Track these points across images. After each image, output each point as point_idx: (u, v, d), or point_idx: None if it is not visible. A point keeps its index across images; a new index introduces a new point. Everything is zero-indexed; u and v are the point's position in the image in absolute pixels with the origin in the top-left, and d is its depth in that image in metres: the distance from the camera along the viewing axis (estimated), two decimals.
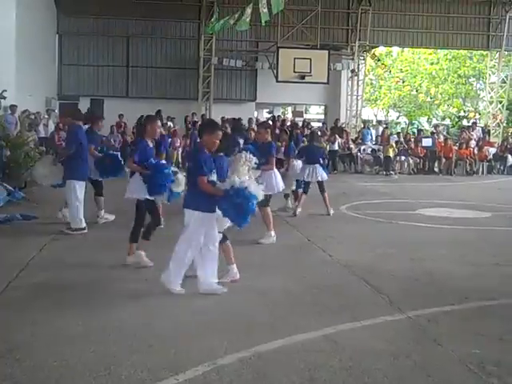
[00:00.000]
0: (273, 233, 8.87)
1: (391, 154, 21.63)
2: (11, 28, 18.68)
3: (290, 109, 41.12)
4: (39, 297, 5.97)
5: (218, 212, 6.10)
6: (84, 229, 9.15)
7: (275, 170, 9.26)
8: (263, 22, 16.97)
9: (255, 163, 6.48)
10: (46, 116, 22.10)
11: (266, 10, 17.05)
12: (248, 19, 18.12)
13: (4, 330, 4.99)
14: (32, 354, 4.50)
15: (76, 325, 5.16)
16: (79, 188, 9.06)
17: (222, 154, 6.65)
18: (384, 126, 28.04)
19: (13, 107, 18.63)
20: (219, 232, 6.33)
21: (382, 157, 22.03)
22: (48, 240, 8.53)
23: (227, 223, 6.32)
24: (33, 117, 20.46)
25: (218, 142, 6.15)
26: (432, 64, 41.05)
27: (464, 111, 41.53)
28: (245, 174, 6.18)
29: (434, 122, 41.16)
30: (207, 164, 6.00)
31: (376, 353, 4.67)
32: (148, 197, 7.24)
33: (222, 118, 11.47)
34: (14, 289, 6.17)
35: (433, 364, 4.51)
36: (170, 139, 19.28)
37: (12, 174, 13.40)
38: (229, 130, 11.03)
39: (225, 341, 4.81)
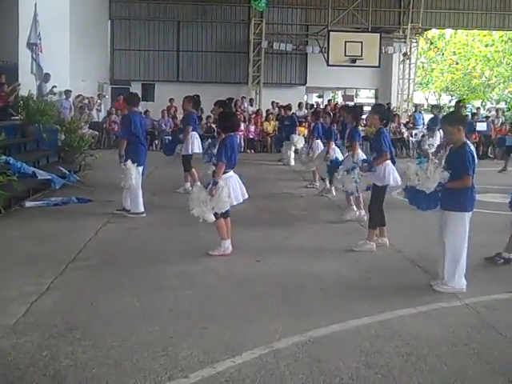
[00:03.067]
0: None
1: None
2: (65, 14, 18.99)
3: (340, 93, 40.75)
4: (96, 278, 6.09)
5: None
6: (142, 213, 9.29)
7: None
8: None
9: None
10: (99, 100, 22.46)
11: None
12: None
13: (63, 310, 5.11)
14: (91, 333, 4.59)
15: (132, 306, 5.26)
16: (138, 173, 9.16)
17: (232, 133, 7.05)
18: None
19: (67, 92, 19.03)
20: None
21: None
22: (104, 223, 8.68)
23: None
24: (86, 101, 20.85)
25: None
26: (487, 46, 40.09)
27: None
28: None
29: (489, 105, 40.19)
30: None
31: (433, 340, 4.61)
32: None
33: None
34: (71, 270, 6.31)
35: (492, 352, 4.43)
36: None
37: (67, 157, 13.70)
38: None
39: (279, 325, 4.82)
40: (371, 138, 9.04)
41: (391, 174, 7.57)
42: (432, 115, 18.82)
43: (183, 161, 11.75)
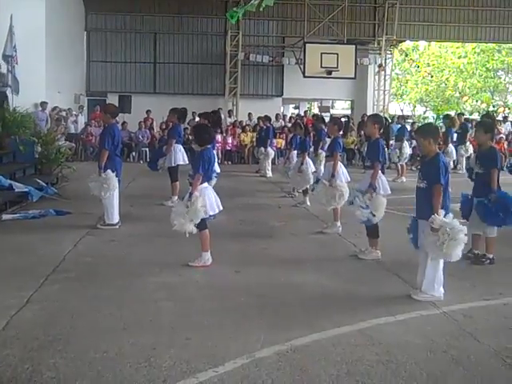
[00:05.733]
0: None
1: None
2: (41, 26, 18.93)
3: (316, 104, 41.02)
4: (76, 290, 6.07)
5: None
6: (116, 224, 9.28)
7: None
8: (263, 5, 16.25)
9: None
10: (75, 112, 22.37)
11: None
12: None
13: (44, 322, 5.09)
14: (72, 345, 4.59)
15: (113, 317, 5.25)
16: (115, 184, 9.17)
17: (208, 146, 7.16)
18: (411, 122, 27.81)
19: (43, 104, 18.92)
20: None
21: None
22: (83, 234, 8.65)
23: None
24: (64, 113, 20.76)
25: None
26: (460, 58, 40.71)
27: (493, 106, 41.05)
28: None
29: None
30: None
31: (412, 347, 4.68)
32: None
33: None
34: (52, 283, 6.28)
35: (470, 358, 4.51)
36: None
37: (44, 169, 13.61)
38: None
39: (261, 334, 4.86)
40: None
41: (382, 184, 7.79)
42: (399, 125, 19.09)
43: (170, 173, 11.79)
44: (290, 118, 25.58)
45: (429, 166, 6.00)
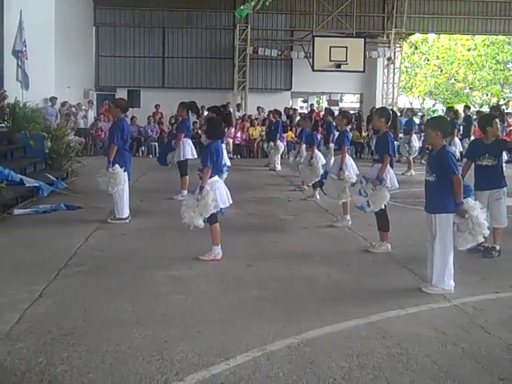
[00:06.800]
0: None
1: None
2: (50, 21, 18.95)
3: (324, 97, 40.96)
4: (88, 284, 6.12)
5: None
6: (126, 218, 9.32)
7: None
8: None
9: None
10: (84, 107, 22.43)
11: None
12: None
13: (57, 316, 5.13)
14: (85, 339, 4.62)
15: (125, 311, 5.29)
16: (125, 178, 9.21)
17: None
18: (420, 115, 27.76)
19: (53, 99, 18.99)
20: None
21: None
22: (93, 229, 8.70)
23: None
24: (74, 109, 20.82)
25: None
26: (469, 50, 40.48)
27: (503, 98, 40.83)
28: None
29: (472, 109, 40.56)
30: None
31: (423, 340, 4.69)
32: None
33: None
34: (63, 277, 6.33)
35: (481, 351, 4.52)
36: None
37: (54, 164, 13.68)
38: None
39: (272, 327, 4.88)
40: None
41: (390, 178, 7.79)
42: (406, 119, 19.02)
43: (179, 167, 11.81)
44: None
45: (437, 159, 6.01)
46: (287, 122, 22.79)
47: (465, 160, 7.94)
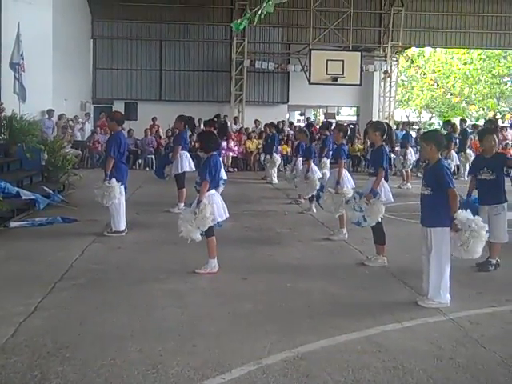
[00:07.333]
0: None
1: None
2: (48, 34, 19.06)
3: (321, 111, 41.09)
4: (84, 297, 6.11)
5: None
6: (123, 231, 9.32)
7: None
8: (264, 12, 16.23)
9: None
10: (81, 120, 22.46)
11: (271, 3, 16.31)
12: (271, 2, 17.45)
13: (52, 329, 5.12)
14: (80, 352, 4.61)
15: (121, 325, 5.27)
16: (121, 191, 9.20)
17: (214, 152, 7.19)
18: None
19: (50, 112, 19.03)
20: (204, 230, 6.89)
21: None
22: (90, 242, 8.69)
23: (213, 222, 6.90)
24: (71, 122, 20.84)
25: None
26: (465, 64, 40.71)
27: (499, 112, 41.00)
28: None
29: (469, 122, 40.74)
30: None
31: (419, 354, 4.69)
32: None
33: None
34: (59, 290, 6.31)
35: (476, 365, 4.51)
36: None
37: (51, 177, 13.68)
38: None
39: (268, 341, 4.88)
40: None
41: (385, 192, 7.81)
42: (403, 132, 19.11)
43: (176, 180, 11.82)
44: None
45: (432, 173, 6.04)
46: (281, 134, 22.88)
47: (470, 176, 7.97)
